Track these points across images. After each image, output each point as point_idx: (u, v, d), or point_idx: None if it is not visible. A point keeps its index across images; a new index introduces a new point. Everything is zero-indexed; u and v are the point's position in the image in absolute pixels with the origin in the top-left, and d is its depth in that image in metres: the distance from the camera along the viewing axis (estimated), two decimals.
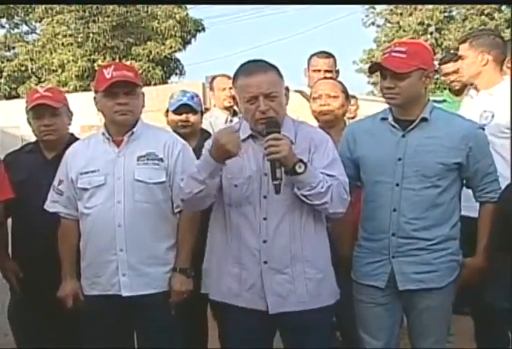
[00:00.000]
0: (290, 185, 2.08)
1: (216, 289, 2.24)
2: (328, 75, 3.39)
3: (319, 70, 3.49)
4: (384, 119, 2.33)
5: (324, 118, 2.84)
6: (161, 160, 2.36)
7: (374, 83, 23.36)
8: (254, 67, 2.13)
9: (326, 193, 2.06)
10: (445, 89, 4.21)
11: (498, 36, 3.07)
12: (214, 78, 4.23)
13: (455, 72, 3.78)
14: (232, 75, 4.25)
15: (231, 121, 4.03)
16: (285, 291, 2.13)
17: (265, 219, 2.12)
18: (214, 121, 3.41)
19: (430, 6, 21.18)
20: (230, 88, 4.06)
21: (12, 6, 22.71)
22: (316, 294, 2.16)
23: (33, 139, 2.79)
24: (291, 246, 2.12)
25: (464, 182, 2.35)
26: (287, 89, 2.20)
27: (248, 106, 2.11)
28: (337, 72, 3.60)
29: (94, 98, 2.42)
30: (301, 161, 2.03)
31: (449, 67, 3.88)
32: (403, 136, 2.27)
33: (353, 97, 5.22)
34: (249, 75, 2.10)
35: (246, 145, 2.16)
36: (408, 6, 22.11)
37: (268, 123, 2.08)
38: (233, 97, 4.05)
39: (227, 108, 4.06)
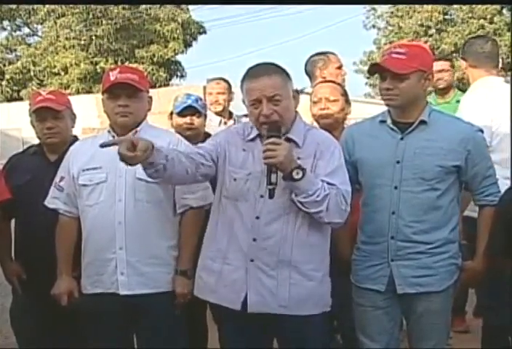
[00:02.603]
0: (288, 189, 2.08)
1: (196, 283, 2.26)
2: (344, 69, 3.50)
3: (340, 67, 3.51)
4: (383, 122, 2.33)
5: (324, 121, 2.83)
6: None
7: (371, 85, 23.36)
8: (258, 70, 2.14)
9: (322, 201, 2.04)
10: (431, 92, 4.35)
11: (479, 43, 3.22)
12: (208, 82, 4.25)
13: (445, 70, 4.06)
14: (227, 79, 4.29)
15: (225, 123, 4.05)
16: (267, 292, 2.12)
17: (257, 218, 2.11)
18: (208, 123, 3.42)
19: (429, 8, 21.19)
20: (218, 93, 4.09)
21: (14, 8, 22.74)
22: (298, 301, 2.13)
23: (35, 141, 2.80)
24: (279, 249, 2.11)
25: (463, 185, 2.35)
26: (297, 91, 2.19)
27: (252, 110, 2.12)
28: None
29: (102, 100, 2.45)
30: (299, 167, 2.02)
31: (440, 64, 4.07)
32: (401, 138, 2.27)
33: None
34: (253, 79, 2.11)
35: (254, 144, 2.18)
36: (408, 9, 22.12)
37: (269, 127, 2.08)
38: (217, 102, 4.08)
39: (216, 113, 4.06)
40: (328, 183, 2.08)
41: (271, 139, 2.03)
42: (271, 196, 2.04)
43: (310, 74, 3.55)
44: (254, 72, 2.14)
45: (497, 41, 3.45)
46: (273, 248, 2.11)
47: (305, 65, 3.59)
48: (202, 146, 2.25)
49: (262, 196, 2.12)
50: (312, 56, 3.57)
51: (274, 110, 2.08)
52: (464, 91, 4.08)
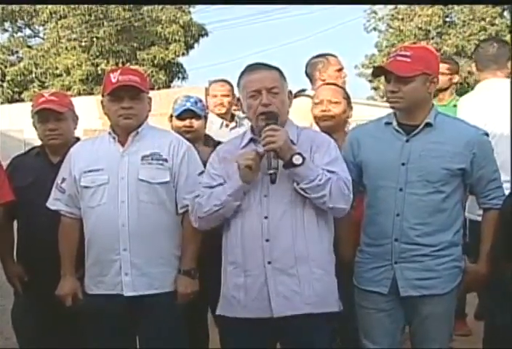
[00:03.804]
0: (290, 181, 2.09)
1: (226, 302, 2.21)
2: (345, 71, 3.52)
3: (340, 70, 3.52)
4: (388, 124, 2.33)
5: (325, 123, 2.83)
6: (166, 160, 2.38)
7: (374, 89, 23.35)
8: (257, 65, 2.21)
9: (324, 185, 2.05)
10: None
11: (484, 46, 3.28)
12: (211, 83, 4.24)
13: (440, 73, 4.10)
14: (230, 81, 4.32)
15: (227, 125, 4.05)
16: (290, 292, 2.10)
17: (266, 218, 2.11)
18: (209, 125, 3.43)
19: (430, 11, 21.22)
20: (222, 95, 4.10)
21: (16, 10, 22.79)
22: (324, 296, 2.13)
23: (36, 143, 2.81)
24: (294, 245, 2.10)
25: (468, 188, 2.35)
26: (290, 92, 2.23)
27: (251, 102, 2.14)
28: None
29: (102, 102, 2.45)
30: (299, 153, 2.05)
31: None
32: (407, 141, 2.27)
33: None
34: (253, 72, 2.17)
35: (247, 149, 2.18)
36: (409, 11, 22.14)
37: (267, 117, 2.10)
38: (221, 104, 4.09)
39: (218, 115, 4.07)
40: (328, 171, 2.10)
41: (270, 126, 2.05)
42: (273, 181, 2.05)
43: (310, 76, 3.55)
44: (254, 67, 2.20)
45: (506, 42, 3.41)
46: (288, 245, 2.10)
47: (306, 68, 3.59)
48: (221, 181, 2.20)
49: (265, 196, 2.12)
50: (312, 58, 3.58)
51: (272, 101, 2.12)
52: (461, 95, 4.10)
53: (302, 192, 2.07)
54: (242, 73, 2.20)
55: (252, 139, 2.19)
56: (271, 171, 2.03)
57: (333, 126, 2.82)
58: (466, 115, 2.97)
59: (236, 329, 2.18)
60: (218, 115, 4.07)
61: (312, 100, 2.96)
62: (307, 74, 3.58)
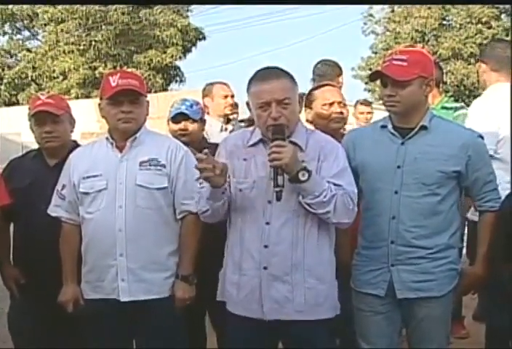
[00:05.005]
0: (295, 191, 2.08)
1: (222, 292, 2.25)
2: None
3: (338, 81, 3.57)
4: (384, 127, 2.34)
5: (338, 125, 2.83)
6: (164, 166, 2.38)
7: (370, 90, 23.34)
8: (268, 73, 2.15)
9: (329, 202, 2.05)
10: None
11: (501, 47, 3.24)
12: (211, 85, 4.22)
13: None
14: (230, 84, 4.33)
15: (226, 129, 4.05)
16: (282, 298, 2.12)
17: (267, 223, 2.11)
18: (209, 129, 3.41)
19: (426, 14, 21.25)
20: (232, 96, 4.10)
21: (18, 13, 22.81)
22: (314, 305, 2.14)
23: (34, 146, 2.80)
24: (292, 253, 2.11)
25: (464, 191, 2.36)
26: (301, 96, 2.21)
27: (260, 112, 2.12)
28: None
29: (99, 105, 2.45)
30: (305, 169, 2.03)
31: None
32: (402, 144, 2.28)
33: (370, 103, 5.19)
34: (263, 81, 2.11)
35: (255, 149, 2.18)
36: (406, 15, 22.18)
37: (274, 130, 2.08)
38: (232, 105, 4.10)
39: (227, 116, 4.08)
40: (334, 184, 2.09)
41: (276, 142, 2.03)
42: (278, 199, 2.03)
43: (323, 76, 3.52)
44: (264, 74, 2.14)
45: None
46: (286, 253, 2.11)
47: (318, 68, 3.59)
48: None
49: (269, 202, 2.12)
50: (328, 61, 3.59)
51: (282, 113, 2.09)
52: (456, 97, 4.08)
53: (306, 206, 2.07)
54: (252, 80, 2.16)
55: (261, 140, 2.18)
56: (277, 189, 2.02)
57: (341, 128, 2.85)
58: (479, 118, 2.94)
59: (235, 324, 2.20)
60: (225, 115, 4.07)
61: (313, 100, 2.90)
62: (321, 74, 3.56)
